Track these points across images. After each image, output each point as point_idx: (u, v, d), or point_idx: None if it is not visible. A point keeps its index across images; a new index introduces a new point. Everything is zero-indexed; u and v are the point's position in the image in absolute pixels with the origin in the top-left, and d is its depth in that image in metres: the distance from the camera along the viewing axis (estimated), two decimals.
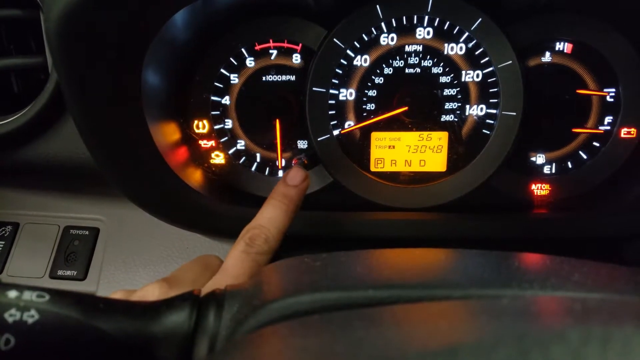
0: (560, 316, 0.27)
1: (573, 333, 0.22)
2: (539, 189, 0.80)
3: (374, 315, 0.32)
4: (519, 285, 0.35)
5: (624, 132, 0.78)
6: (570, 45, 0.76)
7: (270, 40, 0.77)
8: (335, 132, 0.78)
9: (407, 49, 0.75)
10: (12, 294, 0.35)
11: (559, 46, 0.76)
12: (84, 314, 0.36)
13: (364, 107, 0.78)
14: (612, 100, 0.77)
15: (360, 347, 0.27)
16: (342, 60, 0.75)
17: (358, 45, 0.75)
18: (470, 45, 0.74)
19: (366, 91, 0.77)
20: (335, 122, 0.78)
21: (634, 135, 0.77)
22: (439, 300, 0.34)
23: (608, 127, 0.78)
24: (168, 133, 0.74)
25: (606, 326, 0.22)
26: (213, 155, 0.82)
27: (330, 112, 0.77)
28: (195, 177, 0.77)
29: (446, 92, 0.76)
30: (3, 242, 0.87)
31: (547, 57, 0.76)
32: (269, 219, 0.60)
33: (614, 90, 0.77)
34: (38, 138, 0.75)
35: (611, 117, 0.78)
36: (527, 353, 0.21)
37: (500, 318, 0.26)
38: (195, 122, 0.80)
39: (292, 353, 0.29)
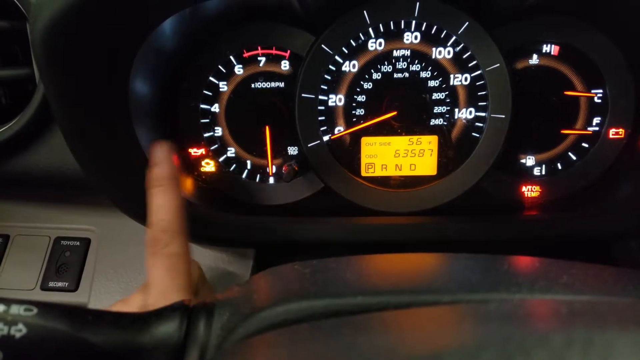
0: (545, 320, 0.27)
1: (555, 337, 0.22)
2: (529, 191, 0.81)
3: (362, 322, 0.32)
4: (508, 289, 0.35)
5: (612, 133, 0.78)
6: (557, 47, 0.76)
7: (259, 47, 0.77)
8: (325, 138, 0.78)
9: (395, 53, 0.76)
10: None
11: (545, 48, 0.76)
12: (72, 326, 0.36)
13: (353, 112, 0.78)
14: (599, 101, 0.78)
15: (348, 355, 0.27)
16: (330, 66, 0.76)
17: (346, 51, 0.75)
18: (457, 49, 0.75)
19: (355, 96, 0.77)
20: (325, 127, 0.78)
21: (622, 136, 0.78)
22: (428, 306, 0.34)
23: (596, 128, 0.79)
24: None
25: (589, 329, 0.23)
26: (203, 163, 0.81)
27: (319, 118, 0.77)
28: (185, 185, 0.77)
29: (435, 96, 0.77)
30: None
31: (534, 60, 0.77)
32: (156, 208, 0.55)
33: (601, 91, 0.77)
34: (27, 149, 0.74)
35: (599, 118, 0.78)
36: (510, 358, 0.21)
37: (485, 323, 0.26)
38: (185, 131, 0.79)
39: None
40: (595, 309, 0.27)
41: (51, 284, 0.84)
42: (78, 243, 0.87)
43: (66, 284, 0.84)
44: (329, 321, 0.33)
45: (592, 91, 0.77)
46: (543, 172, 0.81)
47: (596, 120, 0.78)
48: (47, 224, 0.89)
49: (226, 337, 0.37)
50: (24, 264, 0.87)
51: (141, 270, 0.82)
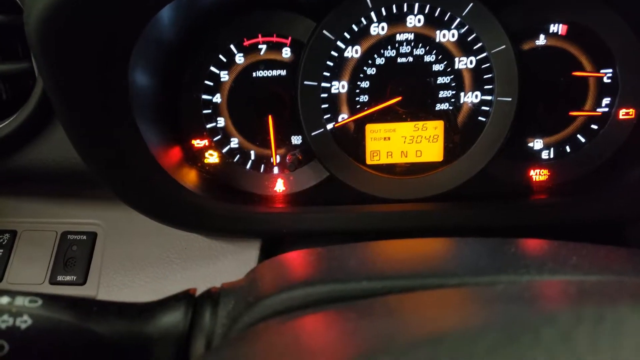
0: (553, 300, 0.26)
1: (564, 315, 0.21)
2: (538, 175, 0.79)
3: (367, 306, 0.31)
4: (516, 271, 0.34)
5: (622, 114, 0.76)
6: (565, 27, 0.74)
7: (259, 35, 0.76)
8: (329, 126, 0.77)
9: (398, 37, 0.74)
10: (4, 300, 0.35)
11: (553, 28, 0.74)
12: (77, 317, 0.36)
13: (357, 99, 0.77)
14: (609, 81, 0.76)
15: (350, 340, 0.26)
16: (332, 52, 0.74)
17: (348, 36, 0.74)
18: (462, 31, 0.73)
19: (358, 83, 0.76)
20: (329, 115, 0.77)
21: (633, 116, 0.76)
22: (434, 289, 0.34)
23: (606, 109, 0.77)
24: (160, 134, 0.73)
25: (599, 307, 0.22)
26: (206, 154, 0.81)
27: (323, 106, 0.76)
28: (189, 177, 0.76)
29: (440, 80, 0.75)
30: (2, 250, 0.86)
31: (541, 40, 0.75)
32: None
33: (611, 70, 0.75)
34: (29, 144, 0.74)
35: (609, 99, 0.76)
36: (517, 337, 0.20)
37: (491, 304, 0.26)
38: (187, 122, 0.79)
39: (286, 347, 0.29)
40: (605, 287, 0.27)
41: (60, 278, 0.85)
42: (85, 237, 0.87)
43: (74, 278, 0.85)
44: (332, 306, 0.33)
45: (602, 71, 0.75)
46: (551, 156, 0.79)
47: (606, 100, 0.77)
48: (53, 219, 0.89)
49: (232, 325, 0.36)
50: (32, 259, 0.87)
51: (149, 262, 0.83)
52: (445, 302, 0.29)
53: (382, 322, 0.27)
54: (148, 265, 0.84)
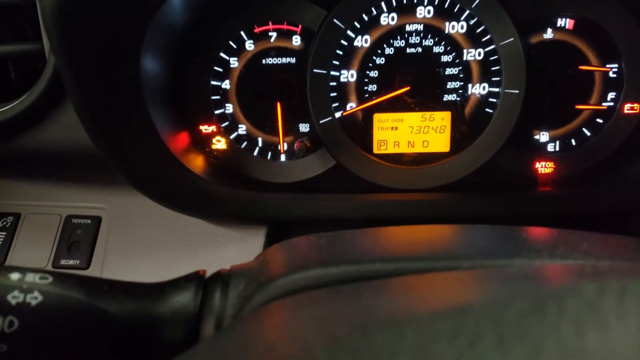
0: (574, 275, 0.27)
1: (589, 286, 0.21)
2: (543, 167, 0.80)
3: (383, 285, 0.32)
4: (528, 255, 0.35)
5: (627, 108, 0.77)
6: (572, 21, 0.75)
7: (270, 23, 0.76)
8: (337, 115, 0.77)
9: (407, 28, 0.75)
10: (15, 276, 0.35)
11: (560, 22, 0.75)
12: (87, 295, 0.36)
13: (365, 88, 0.77)
14: (615, 75, 0.76)
15: (369, 313, 0.27)
16: (342, 41, 0.75)
17: (358, 26, 0.74)
18: (471, 23, 0.74)
19: (367, 72, 0.76)
20: (337, 104, 0.77)
21: (638, 111, 0.77)
22: (447, 271, 0.34)
23: (611, 103, 0.78)
24: (169, 118, 0.73)
25: (622, 280, 0.22)
26: (214, 140, 0.81)
27: (331, 94, 0.76)
28: (197, 162, 0.77)
29: (448, 71, 0.76)
30: (5, 233, 0.86)
31: (548, 34, 0.75)
32: None
33: (616, 65, 0.76)
34: (37, 126, 0.74)
35: (614, 93, 0.77)
36: (542, 306, 0.20)
37: (510, 282, 0.26)
38: (195, 107, 0.79)
39: (300, 322, 0.29)
40: (621, 268, 0.27)
41: (63, 262, 0.85)
42: (89, 221, 0.87)
43: (78, 262, 0.85)
44: (347, 285, 0.33)
45: (607, 65, 0.76)
46: (557, 148, 0.80)
47: (611, 95, 0.77)
48: (58, 202, 0.89)
49: (242, 306, 0.36)
50: (35, 242, 0.87)
51: (154, 247, 0.83)
52: (463, 281, 0.30)
53: (401, 297, 0.28)
54: (153, 251, 0.84)
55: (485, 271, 0.31)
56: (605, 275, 0.25)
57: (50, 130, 0.75)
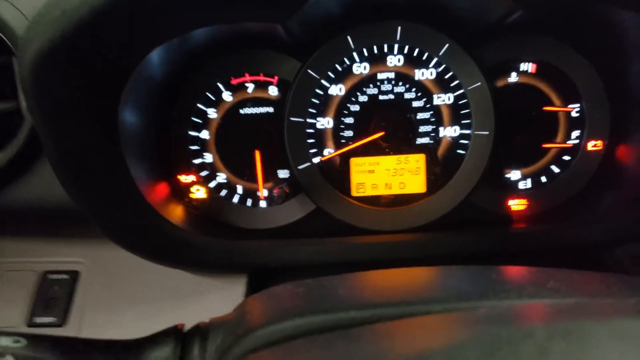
0: (529, 319, 0.27)
1: (538, 330, 0.22)
2: (517, 204, 0.82)
3: (356, 334, 0.32)
4: (497, 296, 0.36)
5: (590, 145, 0.81)
6: (534, 65, 0.79)
7: (246, 74, 0.78)
8: (316, 160, 0.79)
9: (379, 76, 0.78)
10: None
11: (523, 66, 0.79)
12: (62, 356, 0.36)
13: (341, 134, 0.79)
14: (577, 115, 0.80)
15: None
16: (317, 90, 0.77)
17: (332, 75, 0.77)
18: (439, 69, 0.77)
19: (343, 119, 0.79)
20: (315, 150, 0.79)
21: (600, 148, 0.81)
22: (420, 316, 0.35)
23: (576, 141, 0.81)
24: (148, 170, 0.74)
25: (568, 322, 0.23)
26: (193, 189, 0.81)
27: (309, 141, 0.78)
28: (176, 212, 0.77)
29: (420, 115, 0.79)
30: None
31: (513, 78, 0.80)
32: None
33: (578, 105, 0.80)
34: (14, 182, 0.73)
35: (578, 132, 0.81)
36: (498, 351, 0.21)
37: (474, 325, 0.27)
38: (175, 158, 0.80)
39: None
40: (577, 307, 0.28)
41: (37, 320, 0.82)
42: (67, 276, 0.85)
43: (55, 319, 0.82)
44: (323, 335, 0.33)
45: (570, 106, 0.80)
46: (529, 186, 0.83)
47: (575, 133, 0.81)
48: (34, 258, 0.87)
49: (221, 358, 0.36)
50: (9, 301, 0.84)
51: (133, 300, 0.81)
52: (431, 326, 0.30)
53: (371, 345, 0.28)
54: (133, 304, 0.82)
55: (453, 316, 0.32)
56: (558, 317, 0.26)
57: (29, 185, 0.74)
